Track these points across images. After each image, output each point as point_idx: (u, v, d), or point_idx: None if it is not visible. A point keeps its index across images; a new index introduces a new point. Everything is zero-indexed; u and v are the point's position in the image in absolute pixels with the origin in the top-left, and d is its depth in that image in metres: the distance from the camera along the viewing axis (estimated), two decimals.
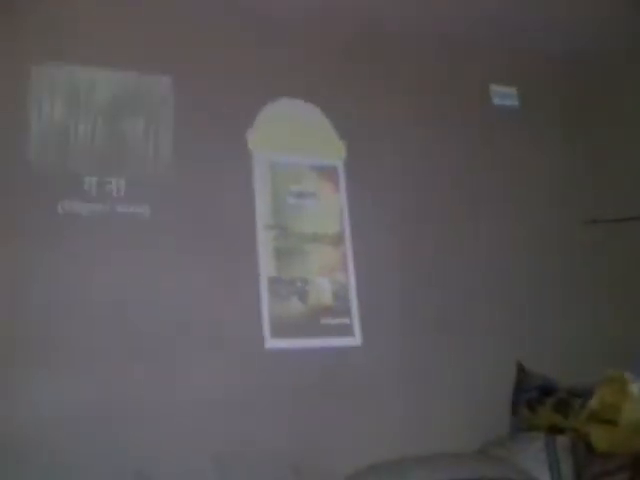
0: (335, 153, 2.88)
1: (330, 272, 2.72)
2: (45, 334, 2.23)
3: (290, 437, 2.41)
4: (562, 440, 2.31)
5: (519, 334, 2.87)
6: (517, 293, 2.97)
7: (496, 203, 3.10)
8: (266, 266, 2.62)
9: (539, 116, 3.32)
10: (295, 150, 2.82)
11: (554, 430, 2.32)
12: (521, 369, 2.63)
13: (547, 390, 2.45)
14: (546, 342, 2.87)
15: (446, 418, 2.64)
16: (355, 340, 2.67)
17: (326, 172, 2.84)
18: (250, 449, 2.34)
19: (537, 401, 2.44)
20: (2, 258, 2.26)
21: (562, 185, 3.25)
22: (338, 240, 2.77)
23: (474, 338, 2.83)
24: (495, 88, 3.27)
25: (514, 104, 3.30)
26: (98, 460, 2.16)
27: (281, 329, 2.57)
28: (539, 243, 3.08)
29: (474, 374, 2.74)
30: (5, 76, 2.44)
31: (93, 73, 2.55)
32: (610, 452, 2.18)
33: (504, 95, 3.28)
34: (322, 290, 2.68)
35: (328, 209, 2.80)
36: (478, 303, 2.89)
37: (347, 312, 2.69)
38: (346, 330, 2.67)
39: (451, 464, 2.13)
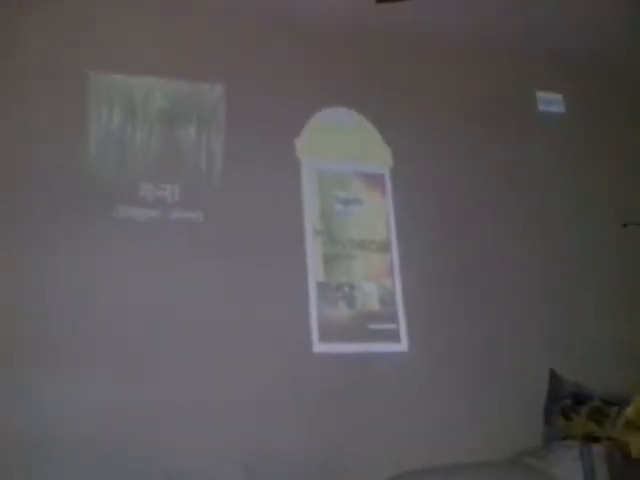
0: (382, 160, 2.90)
1: (377, 278, 2.74)
2: (108, 334, 2.31)
3: (324, 441, 2.43)
4: (598, 449, 2.26)
5: (551, 339, 2.84)
6: (552, 296, 2.94)
7: (540, 207, 3.09)
8: (314, 271, 2.66)
9: (584, 122, 3.29)
10: (342, 157, 2.86)
11: (589, 439, 2.29)
12: (554, 376, 2.60)
13: (581, 398, 2.43)
14: (579, 348, 2.84)
15: (478, 426, 2.61)
16: (401, 346, 2.68)
17: (373, 179, 2.87)
18: (283, 451, 2.36)
19: (572, 409, 2.42)
20: (64, 261, 2.35)
21: (601, 188, 3.21)
22: (385, 246, 2.79)
23: (508, 345, 2.81)
24: (541, 95, 3.26)
25: (560, 110, 3.28)
26: (127, 462, 2.21)
27: (329, 333, 2.60)
28: (577, 246, 3.06)
29: (507, 381, 2.72)
30: (65, 85, 2.54)
31: (148, 83, 2.64)
32: None
33: (550, 101, 3.27)
34: (369, 295, 2.71)
35: (375, 215, 2.82)
36: (515, 308, 2.87)
37: (394, 318, 2.71)
38: (393, 336, 2.68)
39: (479, 473, 2.10)
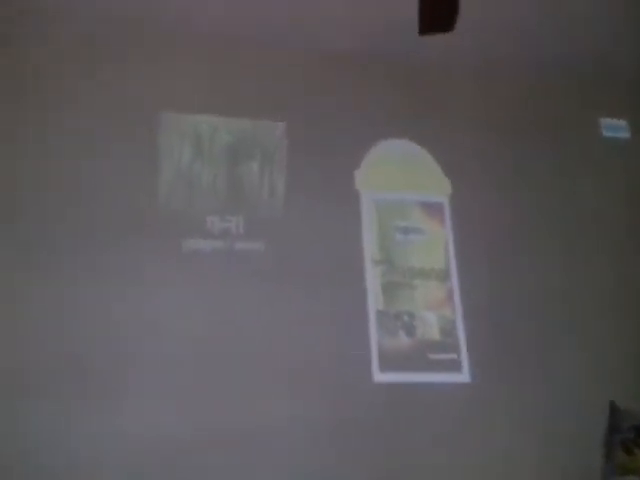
0: (441, 189, 2.93)
1: (436, 307, 2.74)
2: (179, 361, 2.42)
3: (378, 472, 2.42)
4: None
5: (612, 368, 2.76)
6: (610, 322, 2.86)
7: (604, 235, 3.02)
8: (374, 300, 2.69)
9: None
10: (401, 187, 2.90)
11: None
12: (614, 408, 2.49)
13: None
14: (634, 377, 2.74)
15: (535, 462, 2.55)
16: (463, 376, 2.66)
17: (432, 208, 2.90)
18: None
19: (634, 442, 2.29)
20: (133, 293, 2.49)
21: None
22: (444, 275, 2.80)
23: (568, 376, 2.74)
24: (605, 120, 3.21)
25: (625, 136, 3.22)
26: None
27: (389, 363, 2.61)
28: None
29: (565, 414, 2.65)
30: (137, 123, 2.72)
31: (215, 121, 2.79)
32: None
33: (614, 127, 3.21)
34: (429, 324, 2.71)
35: (434, 244, 2.84)
36: (575, 338, 2.81)
37: (455, 347, 2.69)
38: (454, 366, 2.66)
39: None
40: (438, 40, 2.55)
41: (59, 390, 2.29)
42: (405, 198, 2.89)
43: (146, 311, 2.48)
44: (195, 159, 2.73)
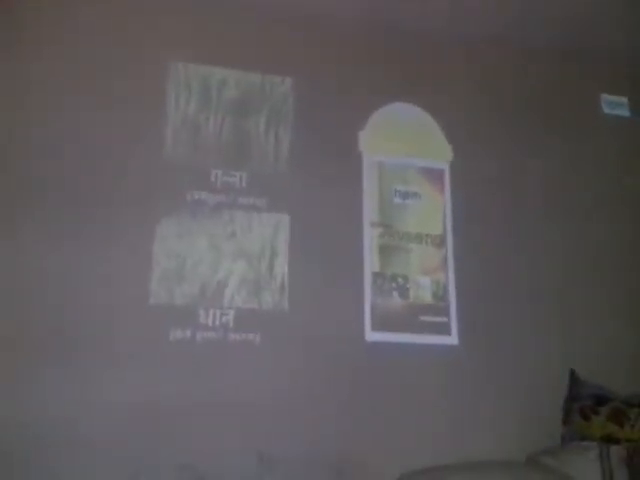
0: (442, 156, 2.96)
1: (431, 271, 2.81)
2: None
3: (353, 437, 2.49)
4: (617, 450, 2.22)
5: (573, 340, 2.85)
6: (573, 296, 2.94)
7: (598, 208, 3.10)
8: (370, 262, 2.75)
9: None
10: (404, 152, 2.92)
11: (608, 440, 2.27)
12: (574, 377, 2.60)
13: (601, 399, 2.42)
14: (601, 348, 2.84)
15: (501, 424, 2.64)
16: (452, 339, 2.75)
17: (433, 174, 2.93)
18: (306, 441, 2.43)
19: (591, 410, 2.41)
20: (140, 237, 2.52)
21: None
22: (440, 241, 2.86)
23: (529, 344, 2.82)
24: (606, 97, 3.25)
25: (624, 114, 3.26)
26: (149, 452, 2.30)
27: (381, 322, 2.69)
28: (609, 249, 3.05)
29: (526, 381, 2.74)
30: (146, 72, 2.70)
31: (223, 73, 2.77)
32: None
33: (615, 104, 3.25)
34: (422, 288, 2.78)
35: (432, 210, 2.89)
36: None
37: (446, 311, 2.77)
38: (444, 328, 2.75)
39: (497, 472, 2.08)
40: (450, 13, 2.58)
41: (39, 356, 2.31)
42: (407, 162, 2.92)
43: (155, 254, 2.50)
44: (202, 111, 2.71)
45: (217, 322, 2.49)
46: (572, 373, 2.62)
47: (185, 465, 2.27)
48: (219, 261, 2.57)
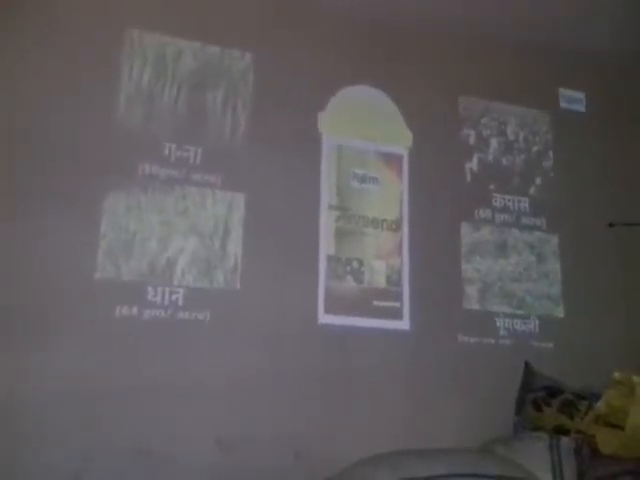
0: (402, 141, 2.95)
1: (386, 256, 2.80)
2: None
3: (307, 419, 2.48)
4: (566, 441, 2.25)
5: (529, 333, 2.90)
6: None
7: (550, 204, 3.15)
8: (326, 244, 2.72)
9: (603, 122, 3.33)
10: (363, 135, 2.90)
11: (559, 431, 2.30)
12: (528, 369, 2.64)
13: (554, 391, 2.45)
14: (557, 342, 2.91)
15: (456, 412, 2.67)
16: (404, 324, 2.75)
17: (391, 159, 2.92)
18: (264, 424, 2.41)
19: (543, 401, 2.44)
20: (88, 209, 2.42)
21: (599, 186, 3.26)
22: (396, 226, 2.85)
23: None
24: (564, 92, 3.29)
25: (580, 109, 3.32)
26: (102, 436, 2.24)
27: (335, 306, 2.67)
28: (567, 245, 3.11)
29: (481, 372, 2.77)
30: (100, 39, 2.59)
31: (181, 44, 2.68)
32: (615, 456, 2.16)
33: (572, 99, 3.30)
34: (377, 273, 2.77)
35: (390, 195, 2.88)
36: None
37: (399, 296, 2.77)
38: (396, 313, 2.75)
39: (450, 458, 2.06)
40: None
41: None
42: (366, 146, 2.89)
43: (104, 231, 2.42)
44: (157, 81, 2.62)
45: (166, 300, 2.42)
46: (526, 365, 2.66)
47: (140, 449, 2.21)
48: (170, 237, 2.50)
